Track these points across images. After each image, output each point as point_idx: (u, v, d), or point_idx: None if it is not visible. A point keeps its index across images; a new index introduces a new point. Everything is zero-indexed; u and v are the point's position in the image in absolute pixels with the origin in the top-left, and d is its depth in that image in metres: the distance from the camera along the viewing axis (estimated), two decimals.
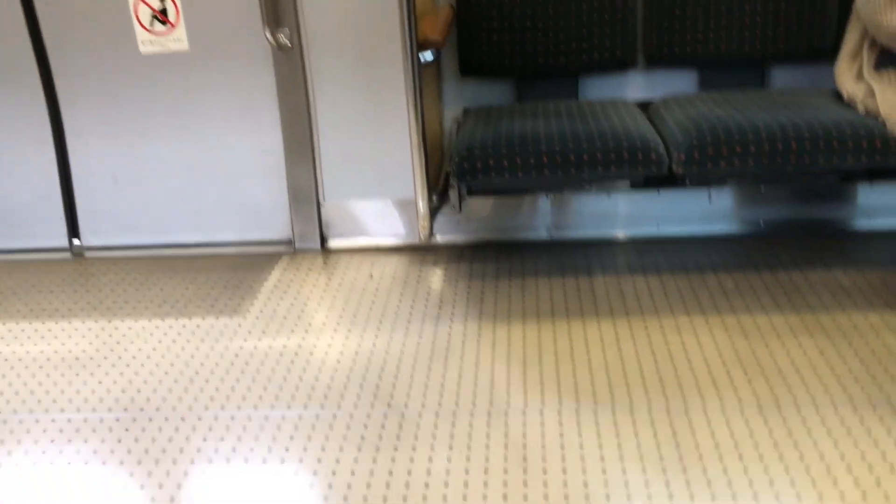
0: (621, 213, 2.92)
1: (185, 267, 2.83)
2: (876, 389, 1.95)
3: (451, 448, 1.84)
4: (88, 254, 2.99)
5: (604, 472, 1.73)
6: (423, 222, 2.36)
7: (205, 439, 1.91)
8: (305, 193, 2.87)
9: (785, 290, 2.44)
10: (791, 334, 2.21)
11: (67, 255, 2.98)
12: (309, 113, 2.79)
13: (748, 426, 1.84)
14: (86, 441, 1.93)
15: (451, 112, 2.86)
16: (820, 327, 2.23)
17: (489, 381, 2.08)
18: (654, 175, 2.19)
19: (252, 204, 2.91)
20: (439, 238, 2.90)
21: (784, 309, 2.33)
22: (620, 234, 2.91)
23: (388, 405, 2.01)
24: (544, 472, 1.74)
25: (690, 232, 2.86)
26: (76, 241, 2.99)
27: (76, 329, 2.44)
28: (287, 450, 1.86)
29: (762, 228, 2.86)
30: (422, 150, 2.25)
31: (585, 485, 1.70)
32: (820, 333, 2.20)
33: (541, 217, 2.91)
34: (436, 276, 2.68)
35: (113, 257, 2.95)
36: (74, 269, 2.88)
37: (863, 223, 2.82)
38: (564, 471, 1.74)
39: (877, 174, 2.32)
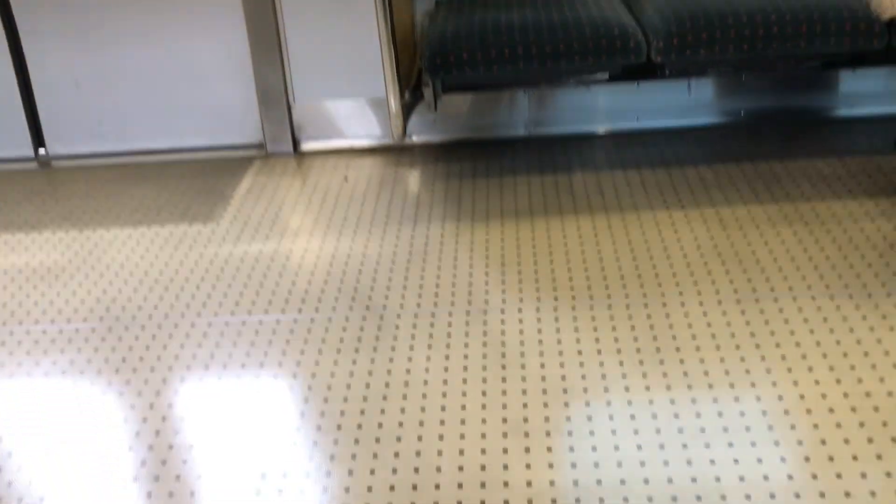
0: (600, 108, 2.86)
1: (156, 174, 2.76)
2: (853, 277, 1.95)
3: (430, 348, 1.84)
4: (55, 163, 2.91)
5: (581, 366, 1.74)
6: (396, 121, 2.30)
7: (182, 346, 1.90)
8: (275, 95, 2.78)
9: (764, 181, 2.41)
10: (770, 224, 2.20)
11: (33, 164, 2.90)
12: (275, 10, 2.67)
13: (725, 317, 1.85)
14: (62, 352, 1.91)
15: (424, 5, 2.75)
16: (799, 216, 2.22)
17: (467, 280, 2.07)
18: (633, 65, 2.13)
19: (221, 107, 2.83)
20: (415, 138, 2.84)
21: (763, 199, 2.32)
22: (600, 128, 2.85)
23: (367, 307, 2.00)
24: (523, 367, 1.75)
25: (670, 124, 2.81)
26: (42, 151, 2.91)
27: (47, 240, 2.40)
28: (266, 354, 1.86)
29: (742, 119, 2.81)
30: (391, 44, 2.16)
31: (563, 378, 1.71)
32: (799, 223, 2.19)
33: (518, 113, 2.85)
34: (412, 177, 2.64)
35: (81, 166, 2.87)
36: (42, 179, 2.81)
37: (844, 111, 2.78)
38: (543, 366, 1.75)
39: (859, 60, 2.27)
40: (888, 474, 1.42)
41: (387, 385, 1.73)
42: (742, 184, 2.41)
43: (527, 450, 1.54)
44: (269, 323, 1.96)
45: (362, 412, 1.66)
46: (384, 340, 1.87)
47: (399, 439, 1.59)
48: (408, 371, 1.77)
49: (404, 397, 1.70)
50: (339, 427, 1.63)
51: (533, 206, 2.39)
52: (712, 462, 1.48)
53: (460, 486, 1.48)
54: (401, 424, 1.63)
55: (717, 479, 1.44)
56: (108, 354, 1.89)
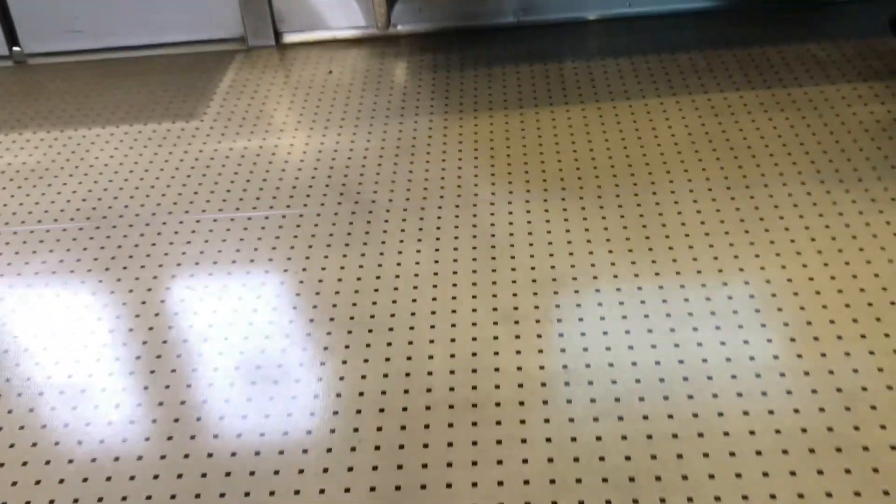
0: None
1: (135, 70, 2.69)
2: (844, 162, 1.94)
3: (420, 241, 1.84)
4: (31, 61, 2.82)
5: (571, 255, 1.75)
6: (380, 10, 2.22)
7: (171, 244, 1.89)
8: None
9: (758, 66, 2.37)
10: (762, 111, 2.17)
11: (9, 63, 2.81)
12: None
13: (715, 204, 1.85)
14: (51, 251, 1.90)
15: None
16: (791, 102, 2.19)
17: (456, 173, 2.05)
18: None
19: (200, 0, 2.72)
20: (400, 28, 2.76)
21: (756, 85, 2.28)
22: (590, 14, 2.77)
23: (356, 202, 1.99)
24: (512, 258, 1.76)
25: (662, 9, 2.73)
26: (16, 49, 2.82)
27: (28, 140, 2.35)
28: (256, 250, 1.85)
29: (736, 3, 2.73)
30: None
31: (553, 268, 1.72)
32: (791, 108, 2.16)
33: (507, 0, 2.75)
34: (398, 69, 2.57)
35: (58, 63, 2.79)
36: (18, 78, 2.73)
37: None
38: (532, 256, 1.76)
39: None
40: (871, 352, 1.45)
41: (378, 278, 1.74)
42: (735, 70, 2.36)
43: (517, 337, 1.56)
44: (257, 219, 1.95)
45: (354, 305, 1.68)
46: (374, 235, 1.87)
47: (391, 329, 1.61)
48: (398, 264, 1.77)
49: (395, 289, 1.71)
50: (331, 319, 1.65)
51: (522, 96, 2.35)
52: (699, 344, 1.50)
53: (452, 372, 1.50)
54: (393, 315, 1.64)
55: (704, 361, 1.47)
56: (97, 253, 1.89)
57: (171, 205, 2.03)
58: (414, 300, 1.67)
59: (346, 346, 1.58)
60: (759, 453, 1.31)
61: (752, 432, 1.34)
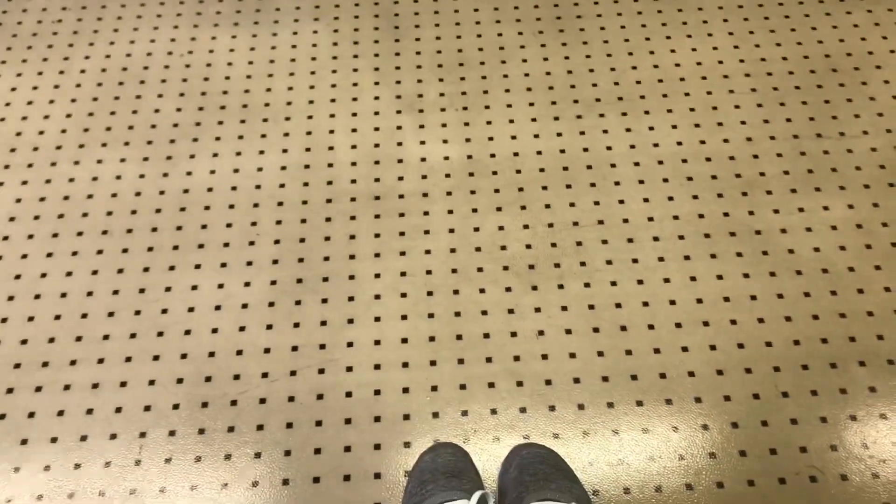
0: None
1: None
2: None
3: (316, 20, 1.70)
4: None
5: (479, 36, 1.65)
6: None
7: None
8: None
9: None
10: None
11: None
12: None
13: None
14: None
15: None
16: None
17: None
18: None
19: None
20: None
21: None
22: None
23: None
24: (417, 40, 1.65)
25: None
26: None
27: None
28: (136, 30, 1.68)
29: None
30: None
31: (460, 51, 1.62)
32: None
33: None
34: None
35: None
36: None
37: None
38: (439, 38, 1.65)
39: None
40: (772, 137, 1.46)
41: (272, 62, 1.62)
42: None
43: (421, 126, 1.50)
44: None
45: (246, 91, 1.57)
46: (266, 13, 1.71)
47: (288, 119, 1.52)
48: (294, 46, 1.65)
49: (291, 74, 1.59)
50: (222, 107, 1.54)
51: None
52: (605, 132, 1.48)
53: (353, 164, 1.45)
54: (289, 104, 1.55)
55: (609, 149, 1.45)
56: None
57: None
58: (312, 87, 1.57)
59: (240, 137, 1.49)
60: (656, 239, 1.33)
61: (650, 219, 1.35)
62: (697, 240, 1.32)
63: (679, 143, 1.45)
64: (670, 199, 1.38)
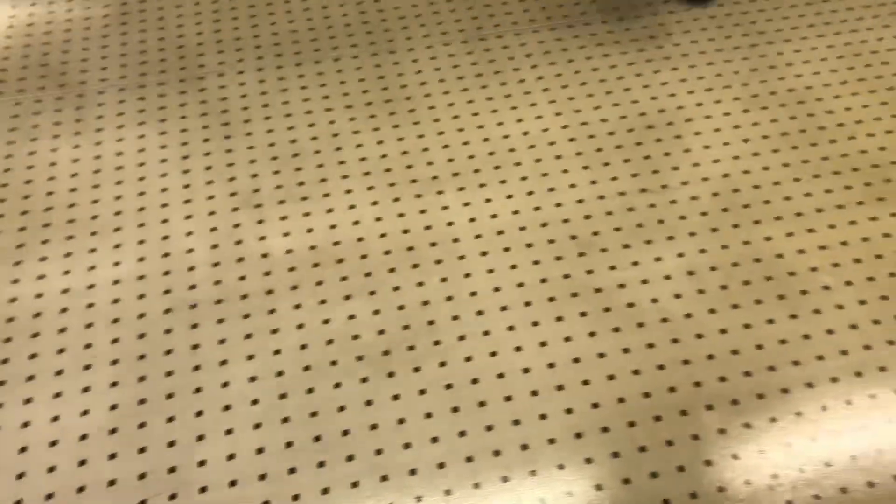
0: None
1: None
2: (571, 5, 1.96)
3: (142, 125, 1.65)
4: None
5: (311, 126, 1.65)
6: None
7: None
8: None
9: None
10: None
11: None
12: None
13: (453, 59, 1.81)
14: None
15: None
16: None
17: (177, 43, 1.85)
18: None
19: None
20: None
21: None
22: None
23: (61, 84, 1.74)
24: (249, 135, 1.63)
25: None
26: None
27: None
28: None
29: None
30: None
31: (294, 142, 1.62)
32: None
33: None
34: None
35: None
36: None
37: None
38: (271, 130, 1.64)
39: None
40: (601, 197, 1.52)
41: (96, 172, 1.56)
42: None
43: (260, 221, 1.48)
44: None
45: (72, 206, 1.49)
46: (87, 121, 1.65)
47: (118, 229, 1.46)
48: (119, 154, 1.59)
49: (119, 183, 1.54)
50: (46, 225, 1.46)
51: None
52: (445, 208, 1.50)
53: (191, 269, 1.40)
54: (118, 213, 1.49)
55: (450, 224, 1.47)
56: None
57: None
58: (141, 193, 1.52)
59: (67, 255, 1.41)
60: (504, 308, 1.35)
61: (497, 289, 1.37)
62: (543, 304, 1.35)
63: (515, 212, 1.49)
64: (513, 267, 1.40)
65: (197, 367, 1.26)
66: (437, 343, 1.30)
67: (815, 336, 1.30)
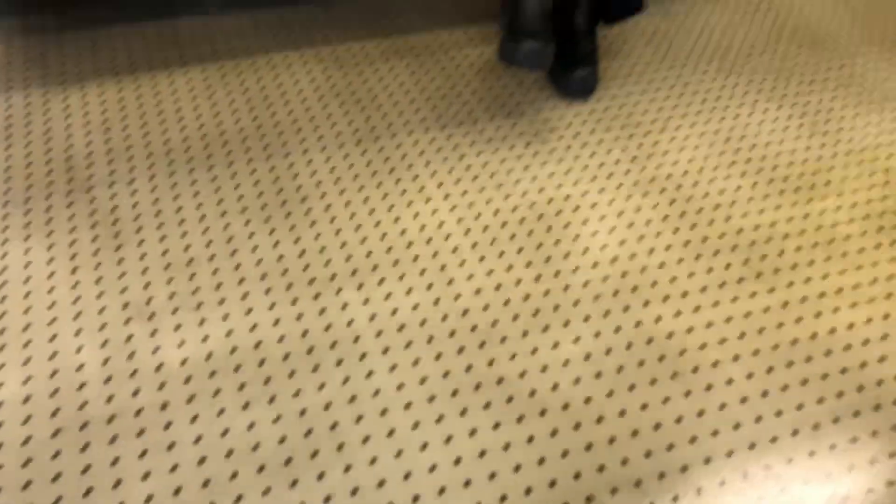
0: None
1: None
2: (461, 104, 2.04)
3: (27, 239, 1.61)
4: None
5: (205, 232, 1.64)
6: None
7: None
8: None
9: (377, 15, 2.39)
10: (384, 59, 2.20)
11: None
12: None
13: (347, 160, 1.84)
14: None
15: None
16: (410, 49, 2.24)
17: (65, 155, 1.82)
18: None
19: None
20: None
21: (376, 34, 2.30)
22: None
23: None
24: (140, 244, 1.61)
25: None
26: None
27: None
28: None
29: None
30: None
31: (187, 249, 1.60)
32: (410, 55, 2.22)
33: None
34: None
35: None
36: None
37: None
38: (163, 239, 1.62)
39: None
40: (497, 287, 1.55)
41: None
42: (355, 20, 2.36)
43: (153, 332, 1.44)
44: None
45: None
46: None
47: (2, 348, 1.39)
48: (3, 269, 1.54)
49: (2, 300, 1.48)
50: None
51: (135, 60, 2.14)
52: (344, 307, 1.50)
53: (82, 386, 1.34)
54: (1, 332, 1.42)
55: (350, 323, 1.47)
56: None
57: None
58: (27, 310, 1.46)
59: None
60: (408, 406, 1.34)
61: (399, 387, 1.37)
62: (446, 399, 1.35)
63: (415, 307, 1.50)
64: (415, 363, 1.41)
65: (88, 491, 1.20)
66: (340, 447, 1.28)
67: (709, 412, 1.34)
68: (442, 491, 1.22)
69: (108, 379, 1.36)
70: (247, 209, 1.71)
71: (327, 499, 1.21)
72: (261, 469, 1.24)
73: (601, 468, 1.26)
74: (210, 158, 1.83)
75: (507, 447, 1.28)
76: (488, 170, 1.83)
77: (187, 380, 1.36)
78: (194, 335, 1.44)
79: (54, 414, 1.30)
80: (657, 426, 1.32)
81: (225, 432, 1.29)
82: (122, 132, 1.90)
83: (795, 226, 1.68)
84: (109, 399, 1.33)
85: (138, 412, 1.31)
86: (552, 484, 1.24)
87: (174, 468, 1.24)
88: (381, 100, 2.05)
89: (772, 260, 1.60)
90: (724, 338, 1.45)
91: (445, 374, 1.39)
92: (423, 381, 1.38)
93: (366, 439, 1.29)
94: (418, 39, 2.30)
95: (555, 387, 1.37)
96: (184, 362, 1.39)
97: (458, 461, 1.26)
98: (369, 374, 1.39)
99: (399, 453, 1.27)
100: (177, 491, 1.21)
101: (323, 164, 1.83)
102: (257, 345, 1.43)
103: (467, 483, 1.24)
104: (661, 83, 2.11)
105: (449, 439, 1.29)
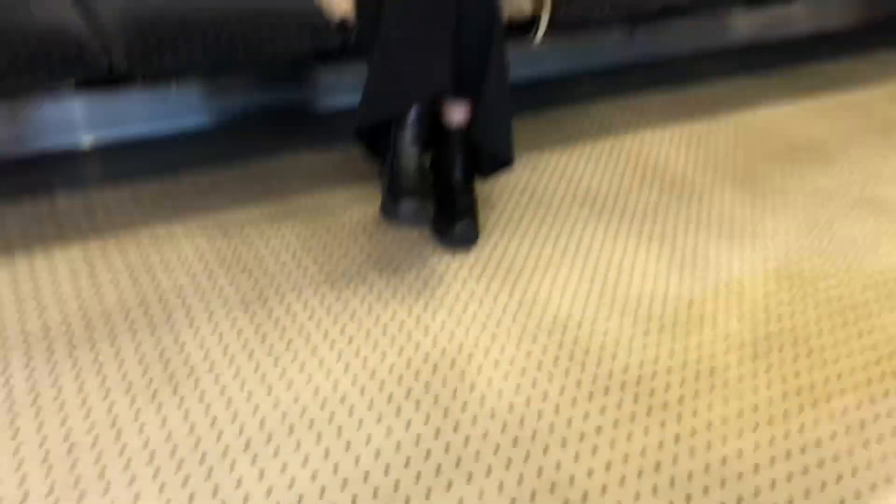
0: (80, 118, 2.62)
1: None
2: (348, 262, 2.07)
3: None
4: None
5: (87, 416, 1.57)
6: None
7: None
8: None
9: (259, 180, 2.44)
10: (269, 224, 2.23)
11: None
12: None
13: (235, 327, 1.82)
14: None
15: None
16: (294, 212, 2.28)
17: None
18: (95, 76, 1.95)
19: None
20: None
21: (260, 200, 2.34)
22: (84, 141, 2.61)
23: None
24: (14, 437, 1.51)
25: (160, 130, 2.69)
26: None
27: None
28: None
29: (234, 119, 2.81)
30: None
31: (67, 437, 1.52)
32: (294, 218, 2.25)
33: None
34: None
35: None
36: None
37: (327, 103, 2.95)
38: (40, 428, 1.53)
39: (324, 56, 2.38)
40: (397, 445, 1.53)
41: None
42: (238, 186, 2.40)
43: None
44: None
45: None
46: None
47: None
48: None
49: None
50: None
51: (11, 240, 2.09)
52: (238, 484, 1.44)
53: None
54: None
55: (245, 501, 1.41)
56: None
57: None
58: None
59: None
60: None
61: None
62: None
63: (314, 476, 1.46)
64: None
65: None
66: None
67: None
68: None
69: None
70: (132, 387, 1.64)
71: None
72: None
73: None
74: (91, 337, 1.77)
75: None
76: (380, 325, 1.85)
77: None
78: None
79: None
80: None
81: None
82: None
83: (677, 359, 1.75)
84: None
85: None
86: None
87: None
88: (267, 264, 2.06)
89: (660, 395, 1.66)
90: (624, 476, 1.47)
91: None
92: None
93: None
94: (302, 203, 2.35)
95: None
96: None
97: None
98: None
99: None
100: None
101: (210, 334, 1.80)
102: None
103: None
104: (538, 229, 2.22)
105: None
